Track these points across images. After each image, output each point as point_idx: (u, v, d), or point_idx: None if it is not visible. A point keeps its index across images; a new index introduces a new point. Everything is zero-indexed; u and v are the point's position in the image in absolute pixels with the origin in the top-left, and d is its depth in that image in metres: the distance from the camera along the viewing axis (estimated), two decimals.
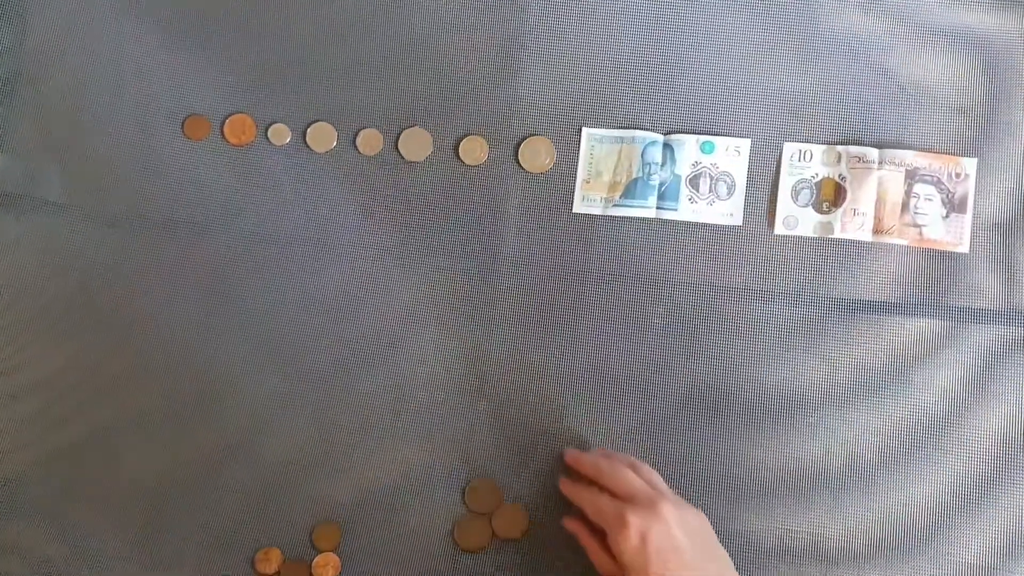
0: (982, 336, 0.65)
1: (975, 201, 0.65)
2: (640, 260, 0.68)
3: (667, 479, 0.63)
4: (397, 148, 0.70)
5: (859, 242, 0.66)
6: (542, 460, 0.68)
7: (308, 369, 0.70)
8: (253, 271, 0.71)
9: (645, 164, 0.68)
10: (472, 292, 0.69)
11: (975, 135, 0.66)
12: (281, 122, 0.71)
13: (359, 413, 0.70)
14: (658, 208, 0.68)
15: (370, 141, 0.70)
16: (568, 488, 0.64)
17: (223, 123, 0.71)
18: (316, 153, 0.71)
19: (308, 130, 0.71)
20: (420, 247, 0.70)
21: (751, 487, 0.67)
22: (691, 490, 0.67)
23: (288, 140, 0.71)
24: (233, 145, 0.71)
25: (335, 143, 0.71)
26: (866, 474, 0.66)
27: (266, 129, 0.71)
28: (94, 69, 0.72)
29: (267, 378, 0.70)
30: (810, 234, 0.67)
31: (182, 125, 0.71)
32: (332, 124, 0.71)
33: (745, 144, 0.68)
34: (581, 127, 0.69)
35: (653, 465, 0.64)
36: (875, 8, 0.67)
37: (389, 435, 0.69)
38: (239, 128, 0.71)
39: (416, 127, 0.70)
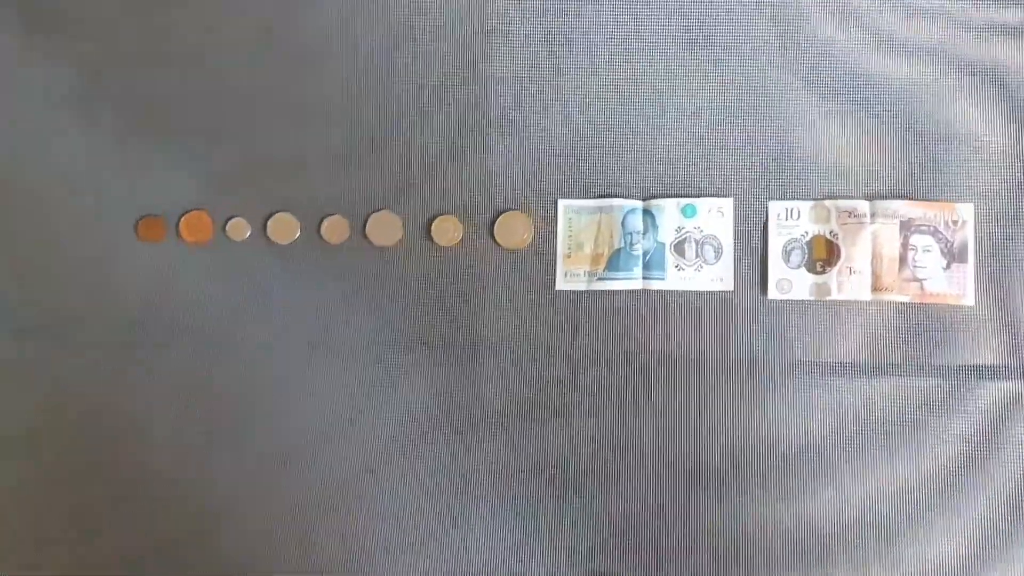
0: (992, 392, 0.62)
1: (975, 249, 0.62)
2: (630, 335, 0.65)
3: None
4: (365, 234, 0.66)
5: (858, 302, 0.63)
6: (539, 563, 0.64)
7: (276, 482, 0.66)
8: (223, 378, 0.66)
9: (626, 233, 0.65)
10: (456, 387, 0.65)
11: (968, 179, 0.63)
12: (239, 216, 0.67)
13: (338, 535, 0.65)
14: (644, 279, 0.65)
15: (335, 229, 0.67)
16: None
17: (178, 221, 0.67)
18: (278, 245, 0.67)
19: (268, 222, 0.67)
20: (396, 337, 0.66)
21: (768, 556, 0.63)
22: (705, 565, 0.63)
23: (248, 235, 0.67)
24: (190, 244, 0.67)
25: (298, 233, 0.67)
26: (885, 533, 0.63)
27: (224, 225, 0.67)
28: (46, 174, 0.68)
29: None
30: (806, 297, 0.63)
31: (136, 227, 0.67)
32: (293, 214, 0.67)
33: (728, 204, 0.65)
34: (557, 199, 0.66)
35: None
36: (854, 53, 0.64)
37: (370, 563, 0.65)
38: (195, 226, 0.67)
39: (384, 211, 0.66)
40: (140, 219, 0.67)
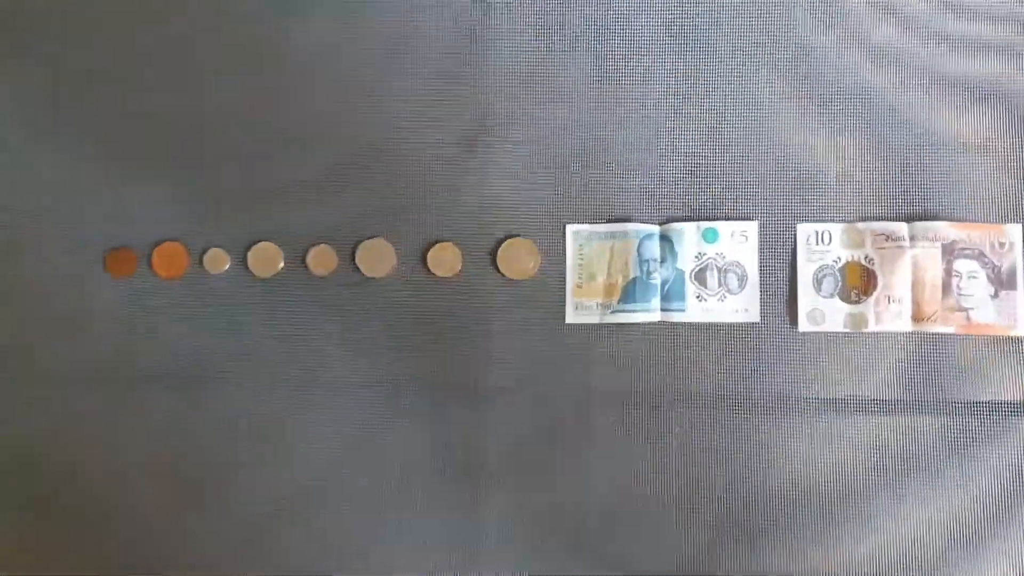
0: None
1: None
2: (648, 373, 0.59)
3: None
4: (355, 264, 0.61)
5: (898, 334, 0.58)
6: None
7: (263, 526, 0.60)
8: (199, 424, 0.61)
9: (643, 261, 0.59)
10: (459, 432, 0.60)
11: (1014, 197, 0.58)
12: (217, 247, 0.61)
13: None
14: (663, 310, 0.59)
15: (322, 259, 0.61)
16: None
17: (151, 253, 0.61)
18: (260, 278, 0.61)
19: (249, 253, 0.61)
20: (391, 377, 0.60)
21: None
22: None
23: (227, 267, 0.61)
24: (164, 278, 0.61)
25: (281, 265, 0.61)
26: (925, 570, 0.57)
27: (200, 257, 0.61)
28: (9, 203, 0.62)
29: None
30: (840, 329, 0.58)
31: (104, 260, 0.61)
32: (276, 244, 0.61)
33: (752, 227, 0.59)
34: (565, 224, 0.60)
35: None
36: (889, 60, 0.59)
37: None
38: (169, 258, 0.61)
39: (376, 239, 0.61)
40: (108, 251, 0.61)
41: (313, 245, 0.61)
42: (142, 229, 0.61)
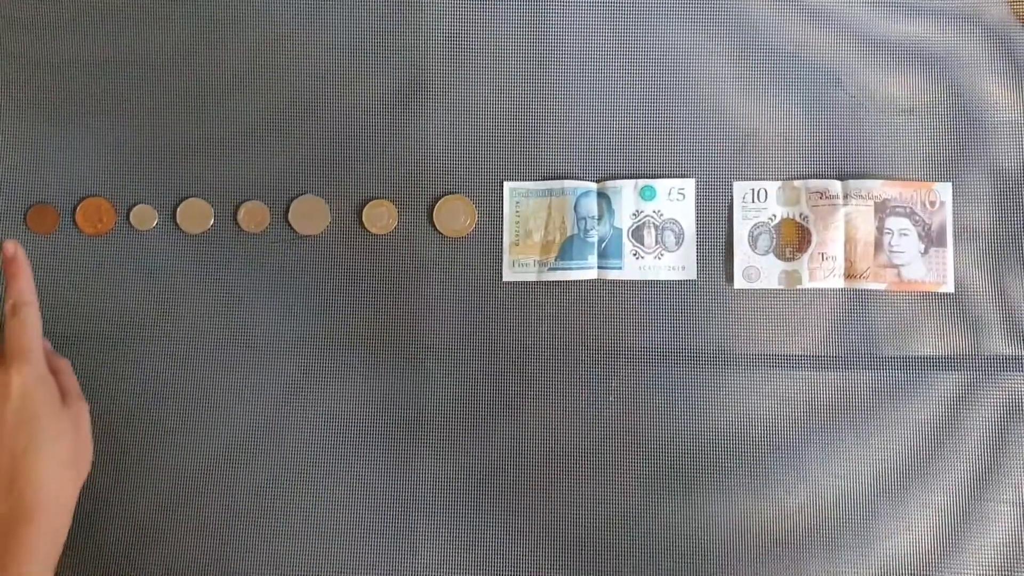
0: (955, 383, 0.58)
1: (954, 231, 0.58)
2: (585, 330, 0.59)
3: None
4: (288, 221, 0.59)
5: (831, 290, 0.58)
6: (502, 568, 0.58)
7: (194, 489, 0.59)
8: (128, 384, 0.59)
9: (580, 219, 0.59)
10: (394, 391, 0.59)
11: (945, 156, 0.58)
12: (144, 203, 0.59)
13: (263, 551, 0.59)
14: (600, 268, 0.59)
15: (254, 216, 0.59)
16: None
17: (74, 210, 0.59)
18: (190, 235, 0.59)
19: (178, 209, 0.59)
20: (325, 335, 0.59)
21: (737, 554, 0.58)
22: (670, 568, 0.58)
23: (155, 223, 0.59)
24: (89, 235, 0.59)
25: (211, 222, 0.59)
26: (856, 524, 0.58)
27: (127, 213, 0.59)
28: None
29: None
30: (775, 286, 0.58)
31: (24, 217, 0.59)
32: (206, 200, 0.59)
33: (689, 185, 0.59)
34: (502, 181, 0.59)
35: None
36: (823, 21, 0.59)
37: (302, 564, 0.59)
38: (94, 215, 0.59)
39: (308, 195, 0.59)
40: (30, 208, 0.59)
41: (244, 202, 0.59)
42: (63, 186, 0.59)
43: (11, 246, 0.52)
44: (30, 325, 0.51)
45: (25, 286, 0.51)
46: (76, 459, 0.51)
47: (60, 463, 0.50)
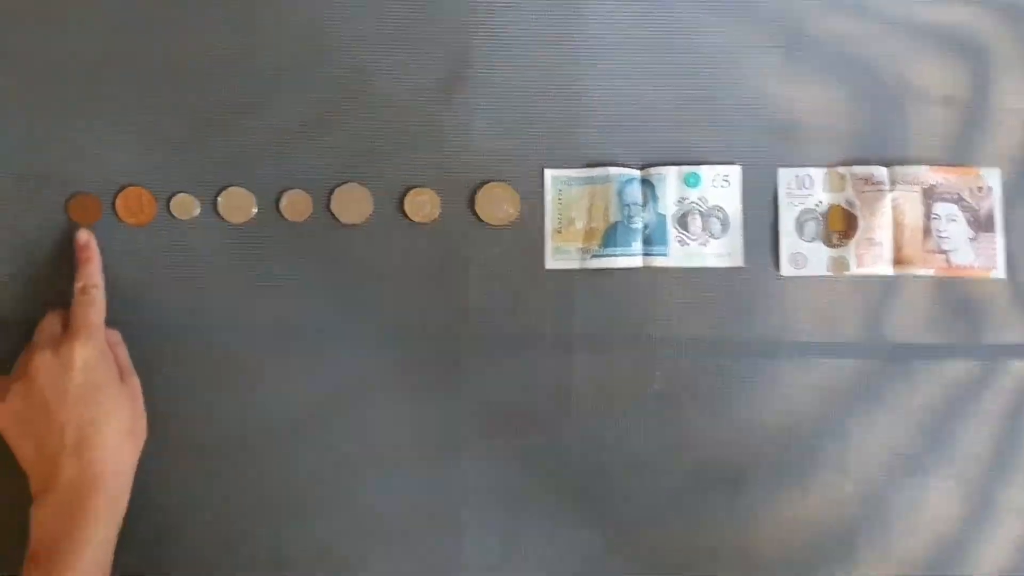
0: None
1: (1004, 217, 0.57)
2: (630, 318, 0.58)
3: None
4: (330, 210, 0.59)
5: (879, 276, 0.58)
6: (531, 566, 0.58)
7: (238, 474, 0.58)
8: (171, 374, 0.59)
9: (624, 205, 0.58)
10: (438, 380, 0.59)
11: (992, 143, 0.58)
12: (185, 192, 0.59)
13: (313, 539, 0.58)
14: (645, 255, 0.58)
15: (296, 205, 0.59)
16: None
17: (114, 199, 0.59)
18: (231, 225, 0.59)
19: (219, 198, 0.59)
20: (368, 327, 0.59)
21: (789, 548, 0.58)
22: (721, 555, 0.58)
23: (196, 213, 0.59)
24: (131, 225, 0.59)
25: (254, 211, 0.59)
26: (916, 516, 0.58)
27: (168, 202, 0.59)
28: None
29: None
30: (822, 272, 0.58)
31: (67, 207, 0.59)
32: (248, 189, 0.59)
33: (735, 171, 0.59)
34: (544, 169, 0.59)
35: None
36: (868, 10, 0.58)
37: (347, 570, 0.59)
38: (134, 204, 0.59)
39: (351, 184, 0.59)
40: (71, 197, 0.59)
41: (286, 190, 0.59)
42: (105, 174, 0.59)
43: (84, 235, 0.58)
44: (97, 305, 0.55)
45: (94, 270, 0.57)
46: (135, 429, 0.55)
47: (122, 433, 0.54)
